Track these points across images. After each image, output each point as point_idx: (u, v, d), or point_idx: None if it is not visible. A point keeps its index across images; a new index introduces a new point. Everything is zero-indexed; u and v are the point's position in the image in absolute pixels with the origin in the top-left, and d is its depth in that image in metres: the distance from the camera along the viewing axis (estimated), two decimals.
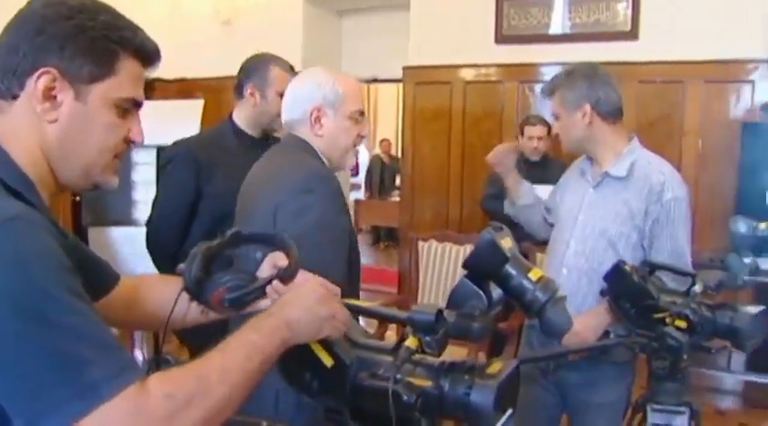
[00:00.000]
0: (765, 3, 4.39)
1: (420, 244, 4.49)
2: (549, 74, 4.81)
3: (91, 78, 1.06)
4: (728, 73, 4.48)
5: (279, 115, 2.57)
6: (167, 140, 2.83)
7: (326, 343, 1.20)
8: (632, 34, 4.89)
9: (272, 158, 2.12)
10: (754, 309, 1.97)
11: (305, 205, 1.82)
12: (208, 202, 2.58)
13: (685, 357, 2.01)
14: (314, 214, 1.80)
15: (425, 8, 5.45)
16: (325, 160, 2.01)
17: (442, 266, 4.38)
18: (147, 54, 1.14)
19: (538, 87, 5.06)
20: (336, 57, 6.28)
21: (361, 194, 11.74)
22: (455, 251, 4.34)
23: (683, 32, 4.69)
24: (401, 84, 5.72)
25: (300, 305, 1.15)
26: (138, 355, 4.41)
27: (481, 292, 1.20)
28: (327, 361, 1.20)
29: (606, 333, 2.23)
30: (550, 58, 5.02)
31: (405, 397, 1.11)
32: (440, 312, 1.13)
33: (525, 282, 1.21)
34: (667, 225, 2.25)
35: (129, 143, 1.16)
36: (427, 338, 1.14)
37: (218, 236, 1.25)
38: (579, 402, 2.40)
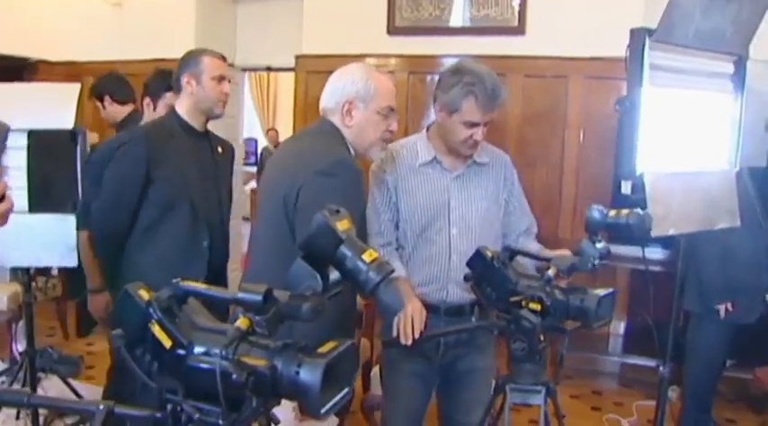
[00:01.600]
0: (641, 3, 4.60)
1: None
2: (439, 65, 4.90)
3: None
4: (607, 69, 4.65)
5: (219, 100, 2.73)
6: (39, 124, 2.74)
7: (165, 326, 1.21)
8: (519, 29, 5.03)
9: (302, 138, 2.30)
10: (602, 292, 2.08)
11: (325, 188, 1.93)
12: (157, 187, 2.64)
13: (542, 338, 2.12)
14: (334, 200, 1.82)
15: None
16: (351, 149, 2.19)
17: None
18: None
19: (429, 78, 5.14)
20: (231, 44, 6.17)
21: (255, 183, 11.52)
22: None
23: (566, 29, 4.86)
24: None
25: None
26: (19, 347, 4.26)
27: (316, 273, 1.22)
28: (166, 343, 1.22)
29: None
30: (442, 50, 5.11)
31: (234, 376, 1.13)
32: (269, 292, 1.15)
33: (359, 263, 1.22)
34: (519, 190, 2.62)
35: None
36: (257, 318, 1.16)
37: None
38: (465, 367, 2.53)
